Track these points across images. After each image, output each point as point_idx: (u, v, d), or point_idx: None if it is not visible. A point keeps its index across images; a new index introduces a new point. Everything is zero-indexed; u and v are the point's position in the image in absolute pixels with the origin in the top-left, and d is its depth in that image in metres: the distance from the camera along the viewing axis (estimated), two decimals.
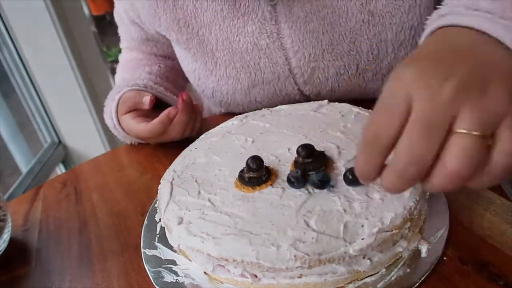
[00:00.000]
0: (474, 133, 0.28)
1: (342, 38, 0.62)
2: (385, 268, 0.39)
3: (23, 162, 1.49)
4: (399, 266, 0.39)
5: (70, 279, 0.46)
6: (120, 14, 0.78)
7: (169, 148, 0.68)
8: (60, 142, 1.60)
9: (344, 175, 0.41)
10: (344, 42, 0.63)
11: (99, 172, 0.66)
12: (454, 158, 0.29)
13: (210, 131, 0.55)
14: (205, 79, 0.70)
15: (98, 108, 1.55)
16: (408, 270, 0.39)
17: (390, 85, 0.33)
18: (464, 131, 0.28)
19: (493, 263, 0.39)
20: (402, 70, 0.32)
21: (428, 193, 0.44)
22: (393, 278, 0.39)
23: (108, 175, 0.65)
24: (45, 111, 1.55)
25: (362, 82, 0.67)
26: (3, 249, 0.51)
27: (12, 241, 0.53)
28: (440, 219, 0.43)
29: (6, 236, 0.51)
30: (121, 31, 0.83)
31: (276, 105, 0.57)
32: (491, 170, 0.30)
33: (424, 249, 0.40)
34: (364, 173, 0.34)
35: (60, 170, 1.57)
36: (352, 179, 0.40)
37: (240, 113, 0.58)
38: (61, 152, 1.58)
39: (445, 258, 0.40)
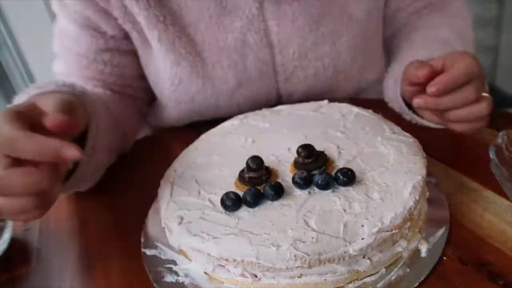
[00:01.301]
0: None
1: (325, 38, 0.64)
2: (385, 268, 0.39)
3: None
4: (399, 266, 0.40)
5: (70, 279, 0.46)
6: (64, 26, 0.65)
7: (169, 148, 0.68)
8: None
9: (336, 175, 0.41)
10: (326, 42, 0.65)
11: None
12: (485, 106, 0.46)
13: (210, 131, 0.55)
14: (188, 82, 0.66)
15: None
16: (408, 270, 0.39)
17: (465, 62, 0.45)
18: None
19: (493, 263, 0.39)
20: (465, 53, 0.47)
21: (428, 193, 0.44)
22: (393, 278, 0.39)
23: (108, 174, 0.65)
24: None
25: (335, 83, 0.70)
26: (4, 249, 0.51)
27: (13, 241, 0.53)
28: (440, 219, 0.43)
29: (7, 236, 0.51)
30: (60, 50, 0.68)
31: (254, 108, 0.57)
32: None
33: (424, 249, 0.40)
34: (447, 86, 0.45)
35: None
36: (343, 179, 0.40)
37: (211, 121, 0.56)
38: None
39: (445, 258, 0.40)
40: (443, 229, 0.42)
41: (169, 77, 0.66)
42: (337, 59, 0.67)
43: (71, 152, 0.36)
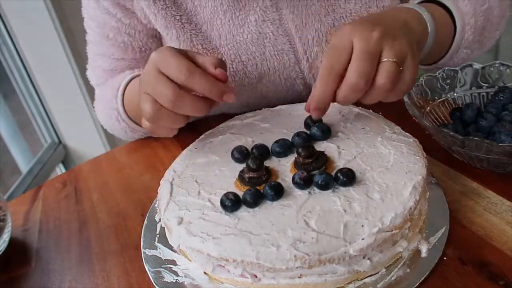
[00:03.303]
0: (393, 60, 0.43)
1: (343, 19, 0.64)
2: (385, 268, 0.39)
3: (23, 162, 1.49)
4: (399, 266, 0.39)
5: (70, 279, 0.46)
6: (101, 17, 0.68)
7: (169, 148, 0.68)
8: (60, 142, 1.60)
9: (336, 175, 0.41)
10: (344, 23, 0.64)
11: (99, 172, 0.66)
12: (383, 76, 0.43)
13: (210, 131, 0.54)
14: None
15: None
16: (408, 270, 0.39)
17: (336, 36, 0.46)
18: (388, 59, 0.43)
19: (493, 263, 0.39)
20: (342, 26, 0.47)
21: (428, 193, 0.44)
22: (393, 278, 0.39)
23: (108, 175, 0.65)
24: (45, 111, 1.55)
25: None
26: (3, 249, 0.51)
27: (12, 241, 0.53)
28: (440, 219, 0.43)
29: (6, 236, 0.51)
30: (96, 48, 0.73)
31: (281, 99, 0.56)
32: (400, 87, 0.45)
33: (424, 249, 0.40)
34: (322, 99, 0.45)
35: (60, 170, 1.57)
36: (343, 179, 0.40)
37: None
38: (61, 152, 1.58)
39: (445, 258, 0.40)
40: (443, 229, 0.42)
41: None
42: None
43: (230, 96, 0.45)
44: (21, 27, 1.39)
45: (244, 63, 0.65)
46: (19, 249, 0.53)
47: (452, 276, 0.38)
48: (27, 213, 0.60)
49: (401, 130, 0.48)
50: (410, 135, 0.47)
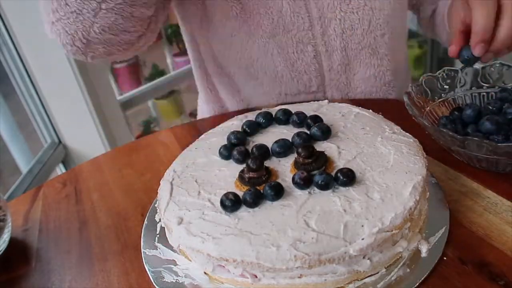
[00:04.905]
0: None
1: None
2: (385, 268, 0.39)
3: (23, 162, 1.49)
4: (399, 266, 0.39)
5: (70, 279, 0.46)
6: None
7: (169, 148, 0.68)
8: (60, 142, 1.59)
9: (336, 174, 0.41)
10: None
11: (99, 172, 0.66)
12: None
13: (210, 131, 0.54)
14: (225, 20, 0.69)
15: (98, 108, 1.54)
16: (408, 270, 0.39)
17: None
18: None
19: (493, 263, 0.39)
20: None
21: (428, 193, 0.44)
22: (393, 278, 0.39)
23: (108, 175, 0.65)
24: (45, 111, 1.55)
25: (373, 42, 0.71)
26: (3, 249, 0.51)
27: (12, 241, 0.53)
28: (440, 219, 0.43)
29: (6, 236, 0.51)
30: None
31: (289, 67, 0.61)
32: None
33: (424, 249, 0.40)
34: (488, 28, 0.51)
35: (60, 170, 1.57)
36: (343, 179, 0.40)
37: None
38: (61, 152, 1.58)
39: (445, 258, 0.40)
40: (443, 229, 0.42)
41: (233, 42, 0.71)
42: (372, 14, 0.69)
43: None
44: (22, 28, 1.39)
45: (262, 15, 0.67)
46: (19, 249, 0.53)
47: (452, 276, 0.38)
48: (27, 213, 0.60)
49: (401, 130, 0.48)
50: (410, 135, 0.47)
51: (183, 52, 2.20)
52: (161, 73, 2.13)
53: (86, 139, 1.60)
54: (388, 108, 0.61)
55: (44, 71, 1.48)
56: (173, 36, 2.18)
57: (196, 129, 0.74)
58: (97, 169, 0.67)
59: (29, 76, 1.49)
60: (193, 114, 2.21)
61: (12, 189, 1.29)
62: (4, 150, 1.48)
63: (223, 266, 0.39)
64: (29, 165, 1.43)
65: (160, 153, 0.68)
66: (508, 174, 0.49)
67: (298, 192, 0.41)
